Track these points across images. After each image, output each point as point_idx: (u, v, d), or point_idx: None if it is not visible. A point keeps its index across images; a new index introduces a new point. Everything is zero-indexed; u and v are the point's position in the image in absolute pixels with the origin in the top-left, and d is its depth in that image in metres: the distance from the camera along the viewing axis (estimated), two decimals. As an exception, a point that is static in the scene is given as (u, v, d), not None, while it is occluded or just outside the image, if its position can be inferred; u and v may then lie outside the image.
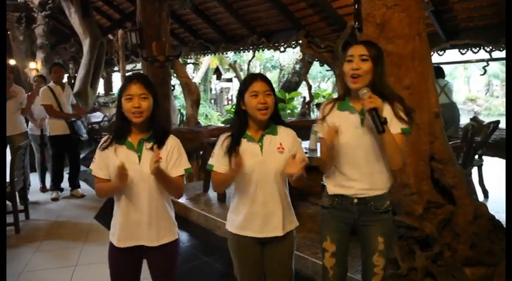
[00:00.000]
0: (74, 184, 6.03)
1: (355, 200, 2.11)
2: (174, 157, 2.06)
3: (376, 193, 2.10)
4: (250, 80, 2.09)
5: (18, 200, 4.69)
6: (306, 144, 4.44)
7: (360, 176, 2.09)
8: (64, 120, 5.71)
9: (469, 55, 5.75)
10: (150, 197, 2.04)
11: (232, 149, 2.05)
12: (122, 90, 2.01)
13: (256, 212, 2.10)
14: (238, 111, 2.13)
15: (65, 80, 6.70)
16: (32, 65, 9.70)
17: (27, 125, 6.05)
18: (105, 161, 2.03)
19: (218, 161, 2.11)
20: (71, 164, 6.01)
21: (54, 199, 5.78)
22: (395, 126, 2.00)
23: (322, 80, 20.10)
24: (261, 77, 2.10)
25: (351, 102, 2.10)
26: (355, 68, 1.99)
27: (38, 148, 6.19)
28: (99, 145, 2.07)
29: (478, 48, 5.40)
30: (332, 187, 2.17)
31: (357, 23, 3.20)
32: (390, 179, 2.15)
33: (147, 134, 2.05)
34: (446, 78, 6.02)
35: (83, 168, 6.91)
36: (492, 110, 19.29)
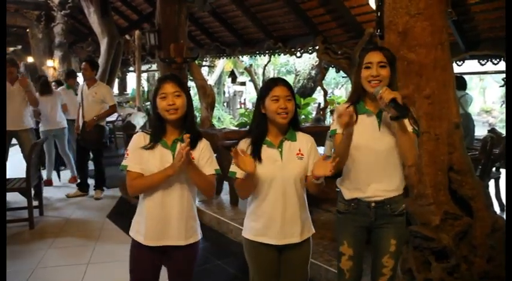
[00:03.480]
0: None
1: (373, 204, 2.12)
2: (205, 157, 2.10)
3: (392, 195, 2.12)
4: (271, 84, 2.10)
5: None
6: (320, 150, 4.43)
7: (377, 178, 2.10)
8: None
9: (488, 66, 5.69)
10: (182, 196, 2.08)
11: (256, 155, 2.05)
12: (157, 90, 2.06)
13: (275, 219, 2.08)
14: (258, 115, 2.12)
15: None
16: (49, 63, 9.82)
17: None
18: (140, 157, 2.04)
19: None
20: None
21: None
22: (407, 126, 2.03)
23: (336, 86, 20.04)
24: (283, 82, 2.10)
25: (367, 105, 2.14)
26: (375, 75, 2.02)
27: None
28: (132, 142, 2.09)
29: (498, 60, 5.33)
30: (348, 192, 2.18)
31: (378, 31, 3.17)
32: (403, 182, 2.19)
33: (180, 134, 2.08)
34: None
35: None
36: (508, 122, 19.01)
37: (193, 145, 2.03)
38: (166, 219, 2.06)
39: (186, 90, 2.09)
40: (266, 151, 2.08)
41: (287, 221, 2.08)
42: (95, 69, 5.73)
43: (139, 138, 2.09)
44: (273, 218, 2.08)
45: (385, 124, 2.09)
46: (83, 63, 5.77)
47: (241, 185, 2.09)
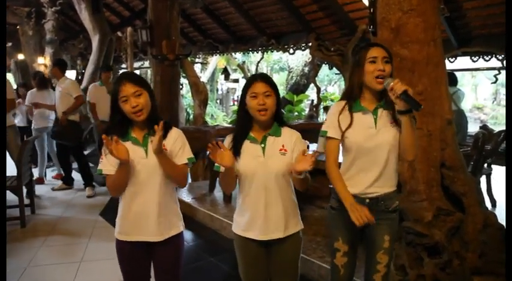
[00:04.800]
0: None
1: (367, 200, 2.11)
2: (178, 147, 2.07)
3: (386, 192, 2.12)
4: (251, 81, 2.08)
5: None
6: (313, 147, 4.43)
7: (371, 175, 2.09)
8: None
9: (480, 63, 5.73)
10: (160, 190, 2.05)
11: (235, 150, 2.05)
12: (116, 93, 1.97)
13: (258, 214, 2.08)
14: (242, 112, 2.11)
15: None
16: (40, 60, 9.72)
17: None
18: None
19: None
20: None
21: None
22: None
23: (329, 83, 20.10)
24: (261, 78, 2.07)
25: (363, 103, 2.10)
26: (382, 69, 1.99)
27: None
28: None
29: (490, 56, 5.36)
30: None
31: (371, 27, 3.18)
32: (397, 178, 2.19)
33: (150, 129, 2.04)
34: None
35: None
36: (499, 119, 19.16)
37: (164, 134, 2.00)
38: (146, 214, 2.04)
39: (146, 86, 2.02)
40: (249, 147, 2.07)
41: (270, 216, 2.07)
42: (57, 66, 5.84)
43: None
44: (255, 214, 2.08)
45: (381, 121, 2.08)
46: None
47: (222, 179, 2.10)
